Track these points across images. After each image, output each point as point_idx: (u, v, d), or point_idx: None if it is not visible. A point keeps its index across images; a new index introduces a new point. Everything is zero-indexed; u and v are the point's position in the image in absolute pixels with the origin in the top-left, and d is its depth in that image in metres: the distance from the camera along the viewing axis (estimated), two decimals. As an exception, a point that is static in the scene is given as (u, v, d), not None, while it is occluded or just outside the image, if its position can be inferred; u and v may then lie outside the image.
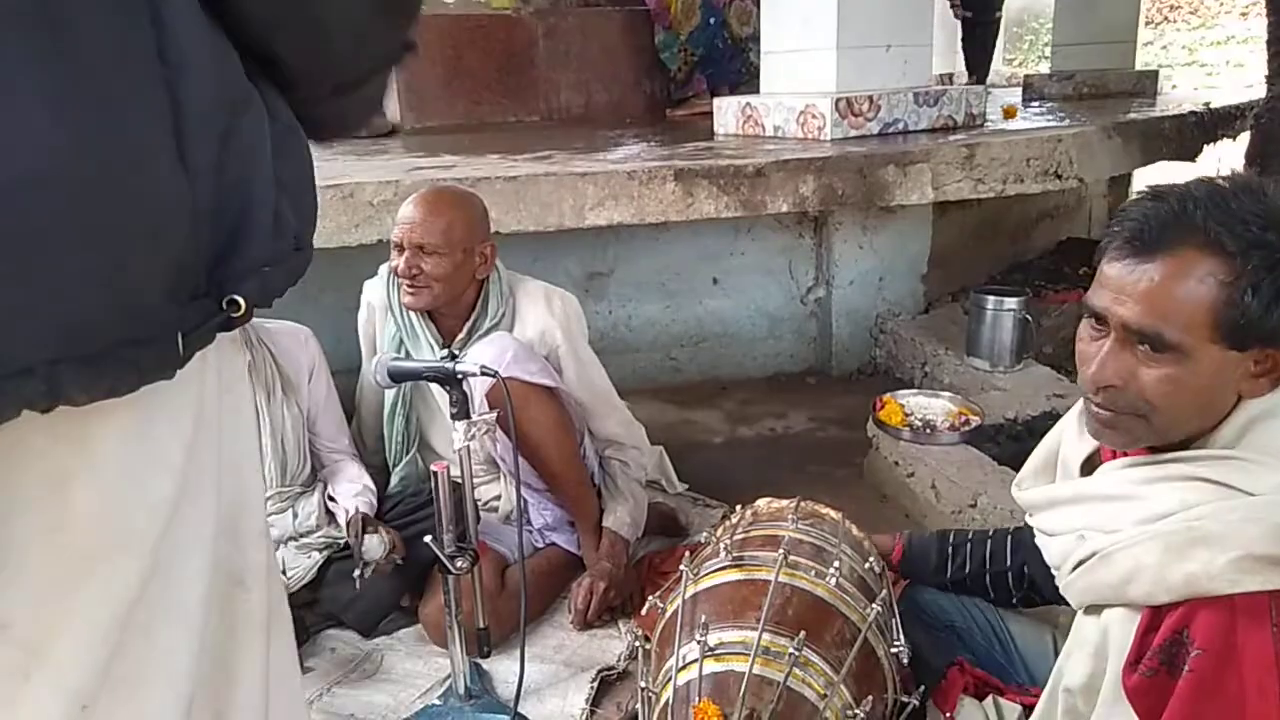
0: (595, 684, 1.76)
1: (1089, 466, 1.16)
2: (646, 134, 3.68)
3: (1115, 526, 1.02)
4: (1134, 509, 1.01)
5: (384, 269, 2.06)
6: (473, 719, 1.66)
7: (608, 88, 4.70)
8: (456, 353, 1.68)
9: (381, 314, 2.05)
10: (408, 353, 2.00)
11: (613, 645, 1.89)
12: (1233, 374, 0.95)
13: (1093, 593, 1.05)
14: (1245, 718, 0.87)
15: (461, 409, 1.60)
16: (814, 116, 2.99)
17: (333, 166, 2.76)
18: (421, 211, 1.90)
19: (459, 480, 1.61)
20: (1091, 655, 1.05)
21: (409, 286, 1.91)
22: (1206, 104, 3.48)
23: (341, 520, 1.88)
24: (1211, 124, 3.45)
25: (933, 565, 1.53)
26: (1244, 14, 11.43)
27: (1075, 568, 1.07)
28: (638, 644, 1.46)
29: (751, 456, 2.77)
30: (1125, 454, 1.07)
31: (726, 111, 3.46)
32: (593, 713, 1.71)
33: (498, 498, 2.13)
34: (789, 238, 3.19)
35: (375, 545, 1.80)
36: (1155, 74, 4.67)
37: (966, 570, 1.51)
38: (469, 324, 1.98)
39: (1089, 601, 1.07)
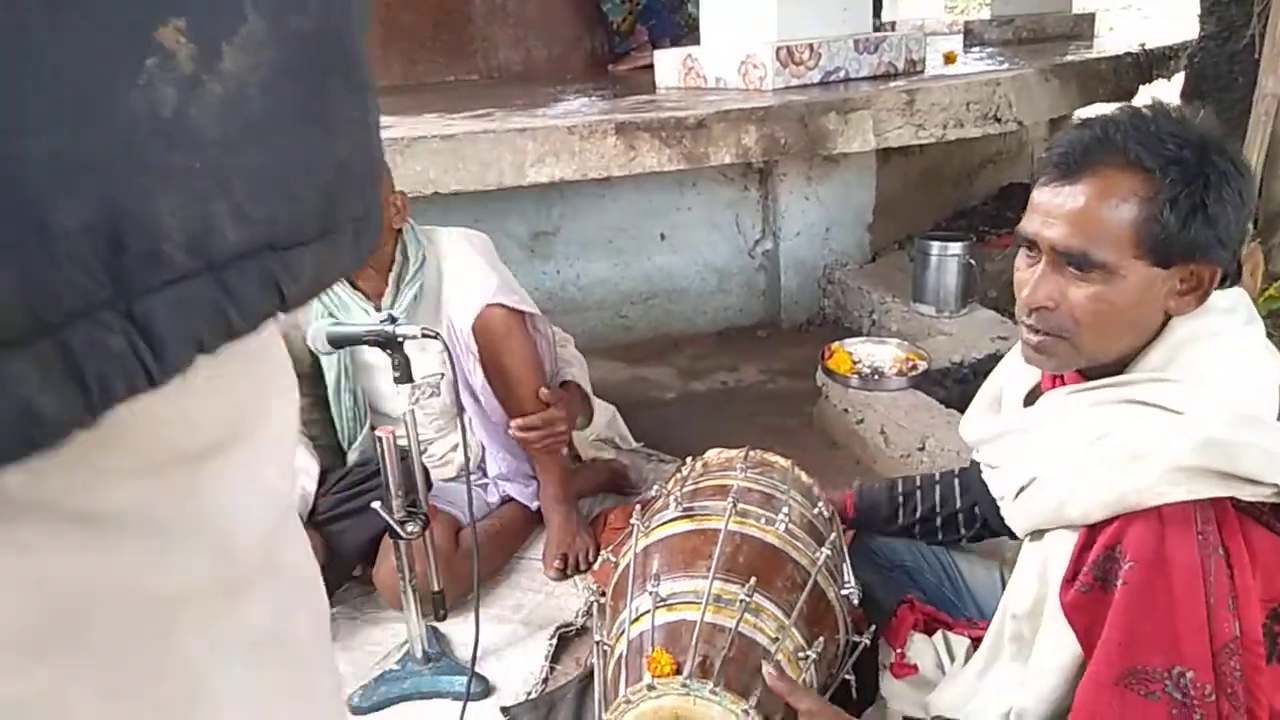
0: (554, 641, 1.77)
1: (1031, 399, 1.18)
2: (587, 89, 3.63)
3: (1053, 452, 1.05)
4: (1071, 434, 1.03)
5: None
6: (431, 682, 1.66)
7: (547, 44, 4.62)
8: (396, 315, 1.64)
9: None
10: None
11: (570, 602, 1.90)
12: (1159, 291, 0.97)
13: (1034, 518, 1.08)
14: (1176, 624, 0.90)
15: (405, 372, 1.57)
16: (755, 66, 2.97)
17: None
18: None
19: (406, 445, 1.60)
20: (1035, 579, 1.08)
21: None
22: (1142, 44, 3.52)
23: None
24: (1148, 64, 3.49)
25: (884, 515, 1.55)
26: (1178, -44, 11.55)
27: (1018, 495, 1.10)
28: (594, 599, 1.46)
29: (704, 411, 2.78)
30: (1063, 382, 1.09)
31: (668, 64, 3.41)
32: (552, 669, 1.72)
33: (455, 448, 2.11)
34: (735, 191, 3.18)
35: None
36: (1092, 17, 4.71)
37: (918, 515, 1.52)
38: (393, 278, 1.94)
39: (1032, 527, 1.10)
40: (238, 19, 0.29)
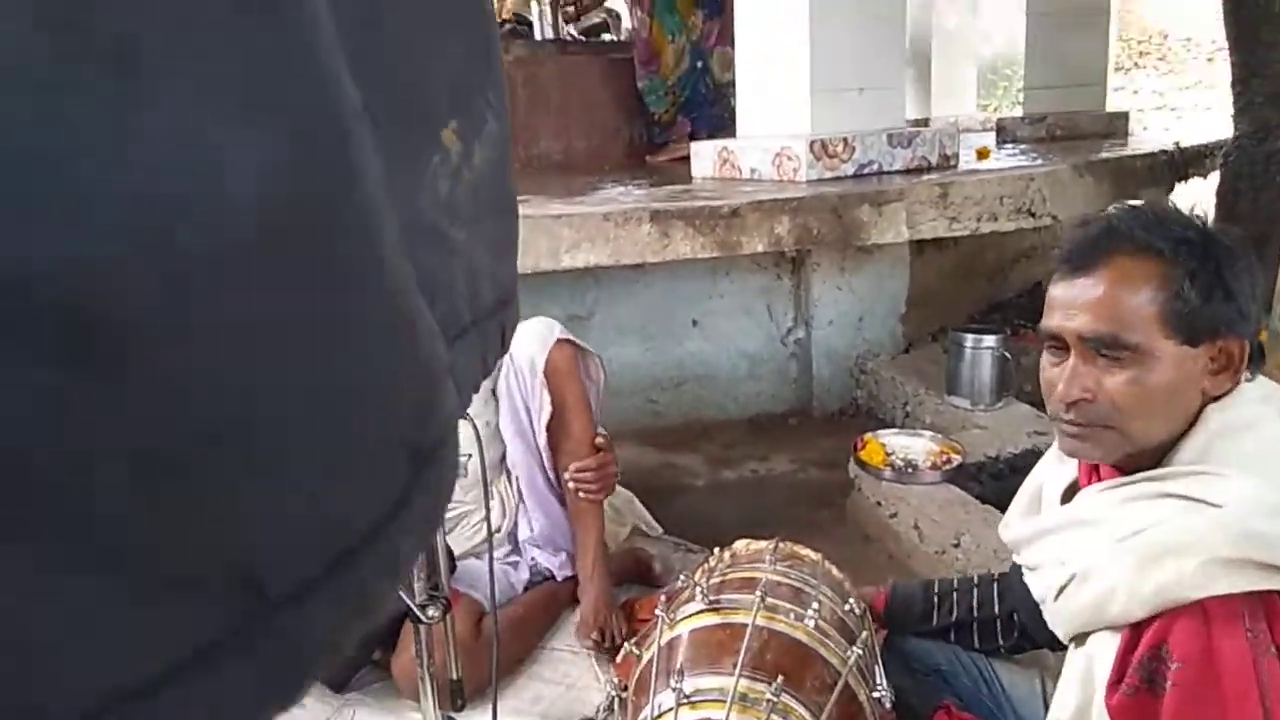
0: (573, 736, 1.71)
1: (1069, 496, 1.16)
2: (624, 179, 3.70)
3: (1092, 549, 1.03)
4: (1109, 530, 1.01)
5: None
6: (445, 775, 1.61)
7: (587, 134, 4.74)
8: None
9: None
10: None
11: (591, 696, 1.84)
12: (1193, 371, 0.98)
13: (1075, 618, 1.05)
14: None
15: (432, 453, 1.57)
16: (789, 158, 3.01)
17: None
18: None
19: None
20: (1079, 683, 1.04)
21: None
22: (1176, 143, 3.53)
23: None
24: (1182, 162, 3.50)
25: (918, 614, 1.50)
26: (1209, 59, 11.70)
27: (1058, 596, 1.07)
28: (615, 694, 1.41)
29: (734, 499, 2.74)
30: (1099, 478, 1.08)
31: (704, 155, 3.48)
32: (571, 766, 1.66)
33: (497, 530, 2.10)
34: (767, 278, 3.20)
35: None
36: (1126, 115, 4.75)
37: (954, 617, 1.48)
38: None
39: (1073, 629, 1.07)
40: (483, 121, 0.35)
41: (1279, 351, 2.00)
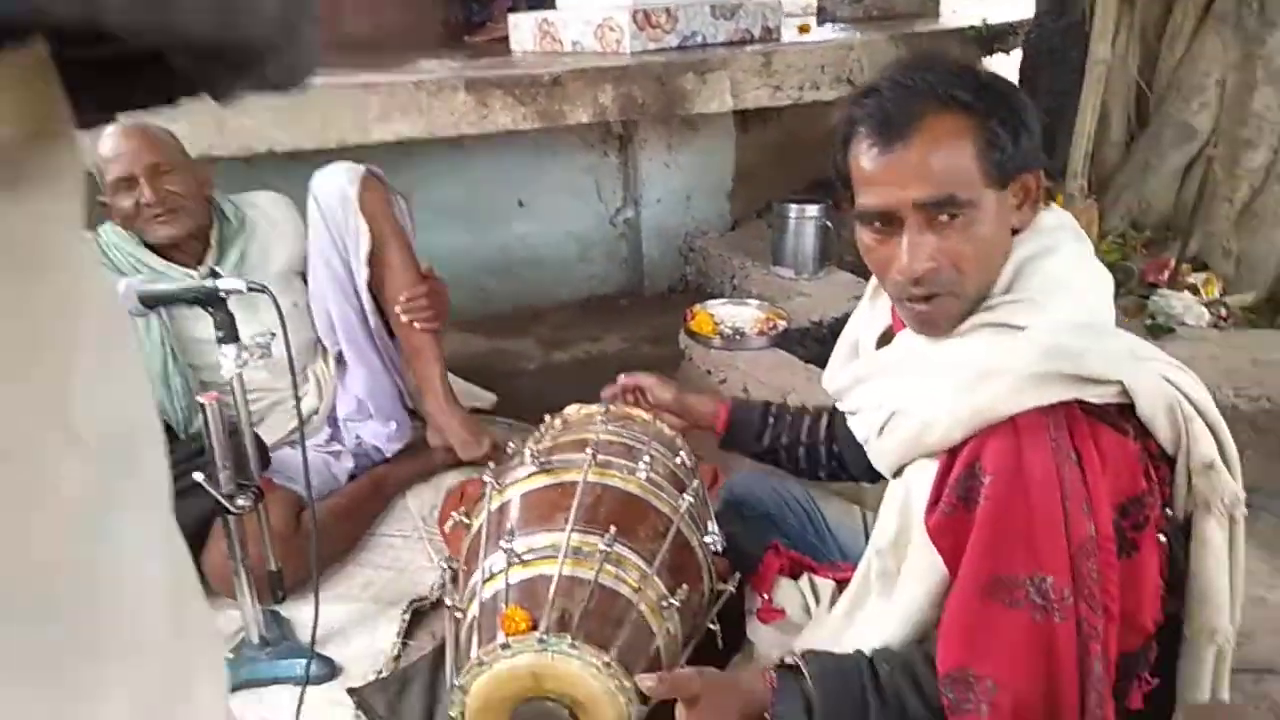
0: (407, 616, 1.66)
1: (885, 341, 1.17)
2: (440, 54, 3.47)
3: (909, 386, 1.04)
4: (926, 365, 1.03)
5: (102, 233, 1.81)
6: (269, 668, 1.53)
7: (400, 10, 4.40)
8: (217, 270, 1.50)
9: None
10: None
11: (426, 576, 1.79)
12: (1005, 213, 0.99)
13: (897, 452, 1.06)
14: (1035, 530, 0.89)
15: (229, 331, 1.43)
16: (611, 29, 2.89)
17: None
18: (134, 138, 1.75)
19: (235, 414, 1.45)
20: (897, 512, 1.06)
21: (163, 215, 1.76)
22: (984, 20, 3.65)
23: None
24: (989, 39, 3.61)
25: (754, 432, 1.49)
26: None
27: (880, 433, 1.08)
28: (447, 567, 1.36)
29: (567, 379, 2.71)
30: None
31: (523, 28, 3.30)
32: (405, 646, 1.62)
33: (315, 412, 1.99)
34: (594, 156, 3.11)
35: None
36: (937, -2, 4.87)
37: (784, 441, 1.48)
38: (215, 241, 1.85)
39: (896, 462, 1.08)
40: None
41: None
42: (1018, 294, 0.99)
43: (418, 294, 1.94)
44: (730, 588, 1.26)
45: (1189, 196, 2.72)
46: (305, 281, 2.03)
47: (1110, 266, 1.08)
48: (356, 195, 1.87)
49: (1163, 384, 0.93)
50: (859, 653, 1.05)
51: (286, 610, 1.68)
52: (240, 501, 1.44)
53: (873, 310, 1.23)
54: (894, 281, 1.00)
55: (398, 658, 1.58)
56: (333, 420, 2.06)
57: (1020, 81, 3.52)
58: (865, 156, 0.98)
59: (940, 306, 1.00)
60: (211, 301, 1.42)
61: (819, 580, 1.35)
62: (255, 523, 1.51)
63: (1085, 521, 0.89)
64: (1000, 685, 0.92)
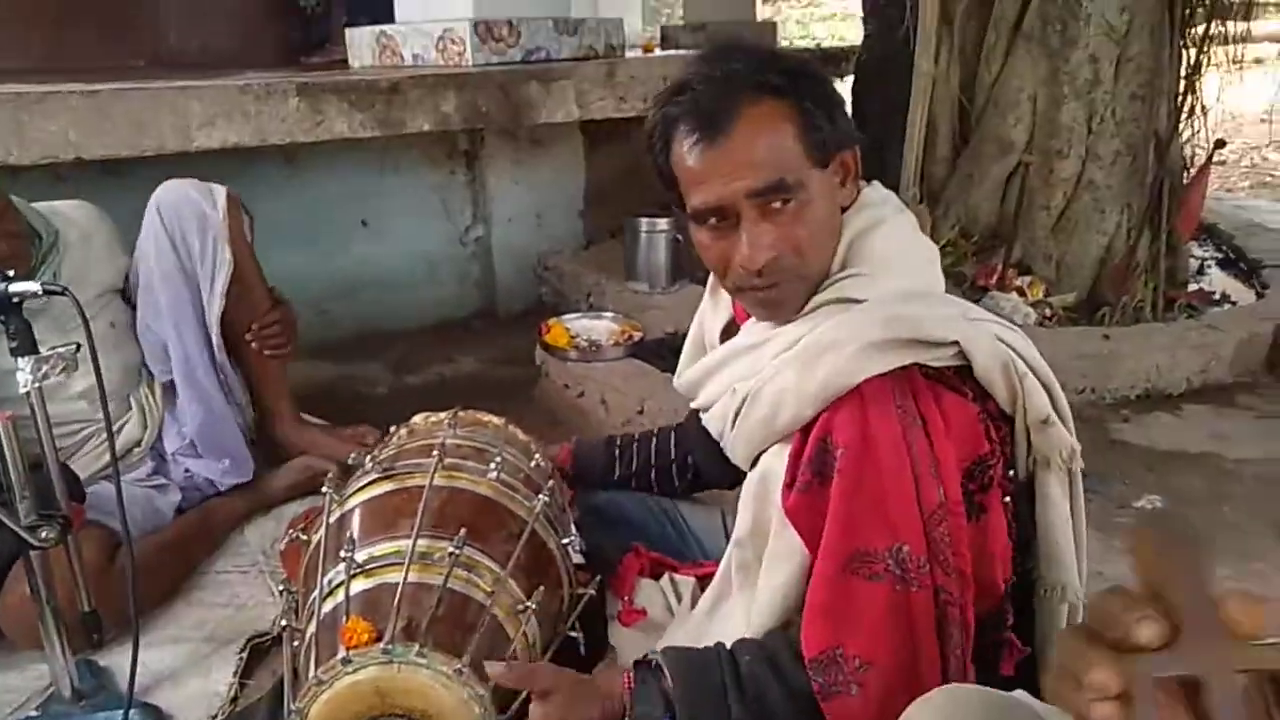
0: (244, 654, 1.53)
1: (729, 334, 1.17)
2: (273, 70, 3.32)
3: (757, 370, 1.03)
4: (770, 348, 1.03)
5: None
6: (83, 721, 1.37)
7: (229, 25, 4.19)
8: (9, 273, 1.34)
9: None
10: None
11: (267, 612, 1.65)
12: (831, 190, 1.00)
13: (751, 438, 1.05)
14: (888, 500, 0.89)
15: (24, 341, 1.28)
16: (454, 42, 2.84)
17: None
18: None
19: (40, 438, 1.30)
20: (754, 499, 1.05)
21: None
22: (817, 43, 3.83)
23: None
24: (822, 61, 3.78)
25: (601, 467, 1.50)
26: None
27: (734, 423, 1.06)
28: (284, 589, 1.25)
29: (418, 403, 2.55)
30: None
31: (361, 44, 3.20)
32: (243, 686, 1.48)
33: (138, 444, 1.82)
34: (441, 174, 3.03)
35: None
36: (774, 24, 5.08)
37: (633, 468, 1.49)
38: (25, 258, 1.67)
39: (751, 450, 1.07)
40: None
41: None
42: (853, 269, 1.00)
43: (269, 321, 1.84)
44: (591, 590, 1.21)
45: (1011, 205, 2.89)
46: (125, 300, 1.87)
47: (945, 273, 1.11)
48: (224, 222, 1.74)
49: (996, 343, 0.95)
50: (719, 645, 1.02)
51: (105, 658, 1.51)
52: (45, 533, 1.29)
53: (714, 306, 1.23)
54: (735, 274, 1.00)
55: (234, 699, 1.45)
56: (157, 453, 1.89)
57: (853, 100, 3.69)
58: (690, 155, 0.96)
59: (784, 292, 1.00)
60: (3, 308, 1.27)
61: (680, 578, 1.33)
62: (64, 560, 1.35)
63: (935, 486, 0.90)
64: (867, 662, 0.91)
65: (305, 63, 4.16)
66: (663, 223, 2.76)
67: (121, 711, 1.34)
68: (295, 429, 1.99)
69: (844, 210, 1.03)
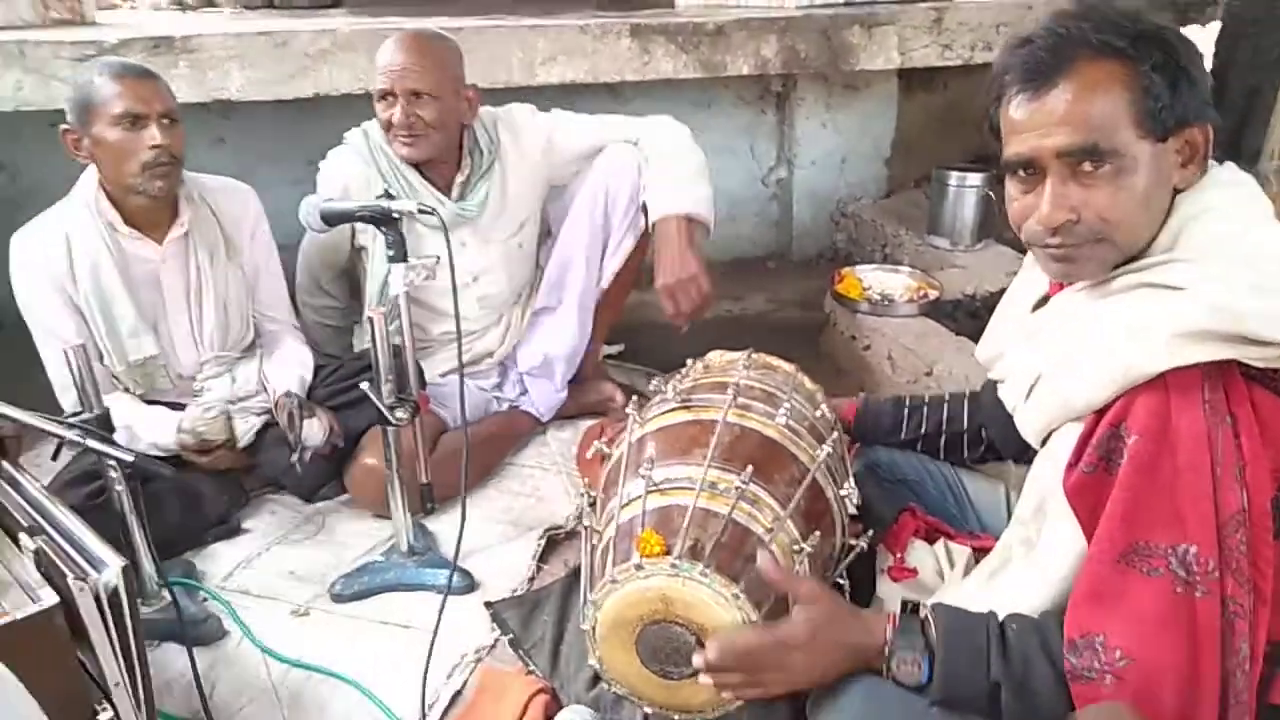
0: (543, 542, 1.73)
1: (1040, 306, 1.13)
2: (606, 9, 3.50)
3: (1060, 348, 1.00)
4: (1077, 326, 0.99)
5: (355, 135, 1.93)
6: (415, 574, 1.63)
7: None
8: (392, 192, 1.58)
9: (362, 185, 1.86)
10: None
11: (562, 507, 1.86)
12: (1165, 168, 0.94)
13: (1043, 416, 1.03)
14: (1180, 497, 0.85)
15: (399, 251, 1.51)
16: (779, -17, 2.85)
17: (267, 22, 2.58)
18: (410, 55, 1.80)
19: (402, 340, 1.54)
20: (1040, 477, 1.03)
21: (406, 137, 1.82)
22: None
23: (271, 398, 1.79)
24: (1184, 5, 3.36)
25: (887, 427, 1.50)
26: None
27: (1028, 397, 1.05)
28: (585, 495, 1.40)
29: (708, 337, 2.69)
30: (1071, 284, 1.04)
31: (689, -18, 3.28)
32: (539, 569, 1.69)
33: (490, 354, 2.10)
34: (751, 114, 3.08)
35: (315, 431, 1.72)
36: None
37: (923, 431, 1.48)
38: (464, 170, 1.93)
39: (1043, 428, 1.05)
40: None
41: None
42: (1176, 254, 0.93)
43: (700, 288, 2.03)
44: (863, 544, 1.25)
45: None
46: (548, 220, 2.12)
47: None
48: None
49: None
50: (991, 612, 1.03)
51: (433, 526, 1.78)
52: (399, 414, 1.53)
53: (1030, 279, 1.19)
54: (1031, 232, 0.98)
55: (532, 579, 1.65)
56: (502, 370, 2.15)
57: (1215, 55, 3.26)
58: (1013, 104, 0.95)
59: (1080, 254, 0.96)
60: (385, 221, 1.51)
61: (955, 546, 1.32)
62: (410, 437, 1.59)
63: (1237, 491, 0.84)
64: (1131, 658, 0.87)
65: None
66: (974, 177, 2.64)
67: (444, 570, 1.58)
68: (593, 360, 2.19)
69: (1180, 192, 0.96)
